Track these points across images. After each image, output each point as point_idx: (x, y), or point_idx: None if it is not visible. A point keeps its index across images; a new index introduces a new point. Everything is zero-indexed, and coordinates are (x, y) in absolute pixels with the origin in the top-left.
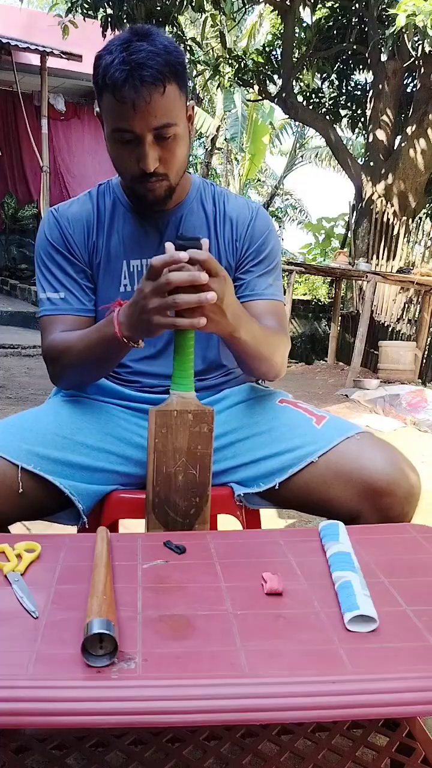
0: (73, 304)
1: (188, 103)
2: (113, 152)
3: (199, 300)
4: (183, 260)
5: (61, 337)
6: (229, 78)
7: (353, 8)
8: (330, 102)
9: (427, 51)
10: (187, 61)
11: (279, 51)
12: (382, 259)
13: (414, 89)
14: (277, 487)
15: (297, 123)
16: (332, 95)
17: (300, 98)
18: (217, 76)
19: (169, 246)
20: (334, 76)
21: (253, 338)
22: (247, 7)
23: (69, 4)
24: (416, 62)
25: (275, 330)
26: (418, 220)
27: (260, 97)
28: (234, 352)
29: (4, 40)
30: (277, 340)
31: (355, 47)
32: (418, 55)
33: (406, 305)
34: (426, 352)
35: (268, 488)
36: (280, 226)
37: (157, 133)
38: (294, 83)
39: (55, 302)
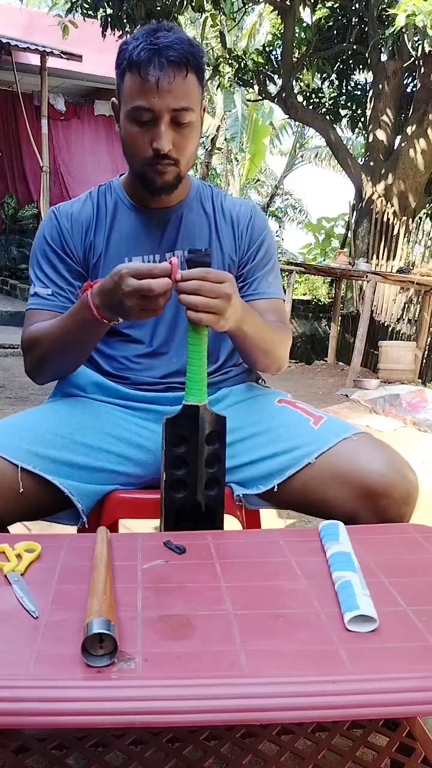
0: (59, 301)
1: (203, 102)
2: (127, 133)
3: (206, 304)
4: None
5: (36, 326)
6: (229, 78)
7: (353, 8)
8: (330, 102)
9: (427, 51)
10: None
11: (279, 51)
12: (382, 259)
13: (414, 89)
14: (275, 490)
15: (297, 123)
16: (332, 95)
17: (300, 98)
18: (217, 76)
19: (175, 262)
20: (334, 76)
21: (256, 330)
22: (247, 7)
23: (69, 4)
24: (416, 62)
25: (277, 325)
26: (418, 220)
27: (260, 97)
28: (239, 344)
29: (4, 40)
30: (279, 334)
31: (355, 47)
32: (418, 55)
33: (406, 305)
34: (426, 352)
35: (267, 490)
36: (280, 226)
37: (175, 115)
38: (294, 83)
39: (42, 296)
